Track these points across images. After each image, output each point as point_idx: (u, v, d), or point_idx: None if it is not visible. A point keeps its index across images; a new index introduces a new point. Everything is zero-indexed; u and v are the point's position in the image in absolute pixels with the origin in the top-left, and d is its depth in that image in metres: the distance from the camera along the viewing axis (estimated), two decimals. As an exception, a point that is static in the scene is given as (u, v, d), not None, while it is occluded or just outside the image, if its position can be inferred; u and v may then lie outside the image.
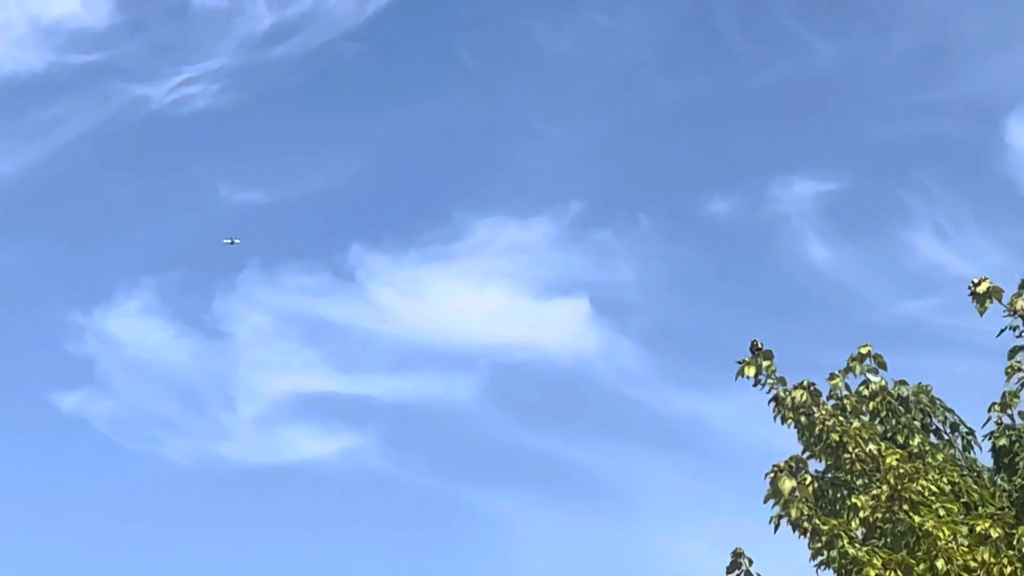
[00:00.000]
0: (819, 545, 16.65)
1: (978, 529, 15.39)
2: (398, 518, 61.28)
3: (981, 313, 17.98)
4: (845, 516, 17.14)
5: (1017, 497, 18.26)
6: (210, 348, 68.19)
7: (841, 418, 17.81)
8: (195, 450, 64.69)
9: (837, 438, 17.50)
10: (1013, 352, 18.19)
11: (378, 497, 62.54)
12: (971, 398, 20.57)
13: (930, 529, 15.80)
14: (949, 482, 17.81)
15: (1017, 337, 18.23)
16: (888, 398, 19.52)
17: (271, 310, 67.12)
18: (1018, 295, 18.82)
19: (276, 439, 64.18)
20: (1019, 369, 17.86)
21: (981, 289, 17.95)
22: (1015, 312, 18.14)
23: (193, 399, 67.09)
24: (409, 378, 65.53)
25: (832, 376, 18.81)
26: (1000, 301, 18.02)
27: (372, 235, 72.84)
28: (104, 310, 67.35)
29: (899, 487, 16.85)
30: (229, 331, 68.48)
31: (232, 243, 51.54)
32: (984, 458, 19.94)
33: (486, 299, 64.79)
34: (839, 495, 17.71)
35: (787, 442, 17.98)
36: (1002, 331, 18.31)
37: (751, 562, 17.22)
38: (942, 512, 16.49)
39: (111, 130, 70.82)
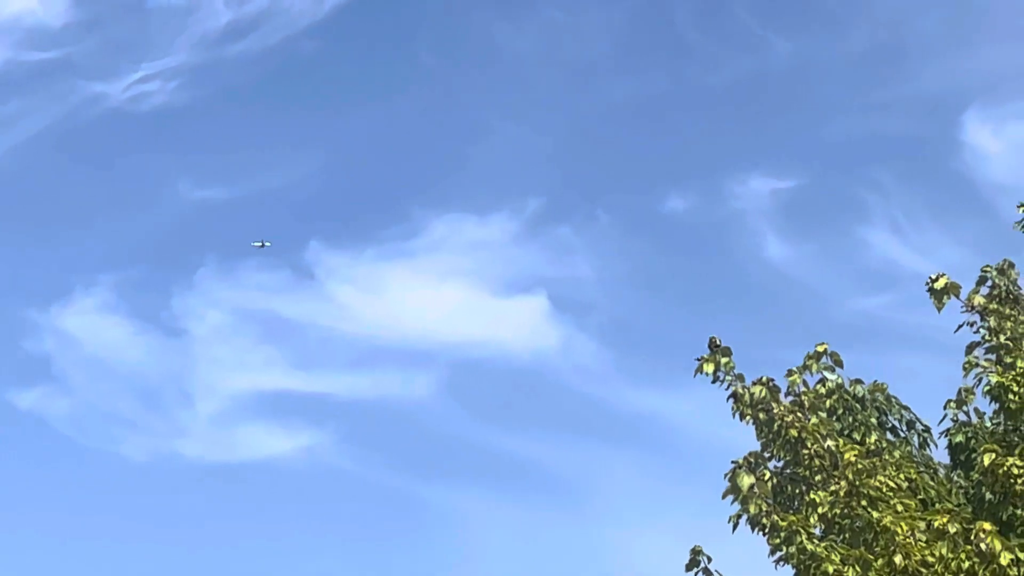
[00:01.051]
0: (778, 541, 16.65)
1: (936, 524, 15.42)
2: (357, 515, 61.12)
3: (939, 309, 18.02)
4: (803, 512, 17.15)
5: (974, 493, 18.32)
6: (168, 346, 67.90)
7: (799, 414, 17.81)
8: (153, 448, 64.40)
9: (795, 434, 17.51)
10: (970, 348, 18.24)
11: (337, 494, 62.38)
12: (927, 394, 20.64)
13: (888, 525, 15.82)
14: (906, 478, 17.84)
15: (974, 333, 18.29)
16: (845, 395, 19.57)
17: (229, 307, 66.79)
18: (975, 291, 18.89)
19: (234, 437, 63.96)
20: (976, 365, 17.90)
21: (939, 285, 17.99)
22: (972, 308, 18.19)
23: (151, 397, 66.81)
24: (368, 375, 65.38)
25: (790, 373, 18.82)
26: (958, 297, 18.07)
27: (331, 232, 72.57)
28: (61, 307, 67.00)
29: (857, 483, 16.87)
30: (187, 328, 68.19)
31: (263, 246, 51.32)
32: (940, 455, 20.02)
33: (445, 296, 64.72)
34: (797, 491, 17.71)
35: (746, 439, 18.00)
36: (959, 327, 18.37)
37: (710, 559, 17.22)
38: (900, 508, 16.52)
39: (68, 127, 70.50)
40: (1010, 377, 17.30)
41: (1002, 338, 17.87)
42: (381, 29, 71.44)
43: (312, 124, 72.52)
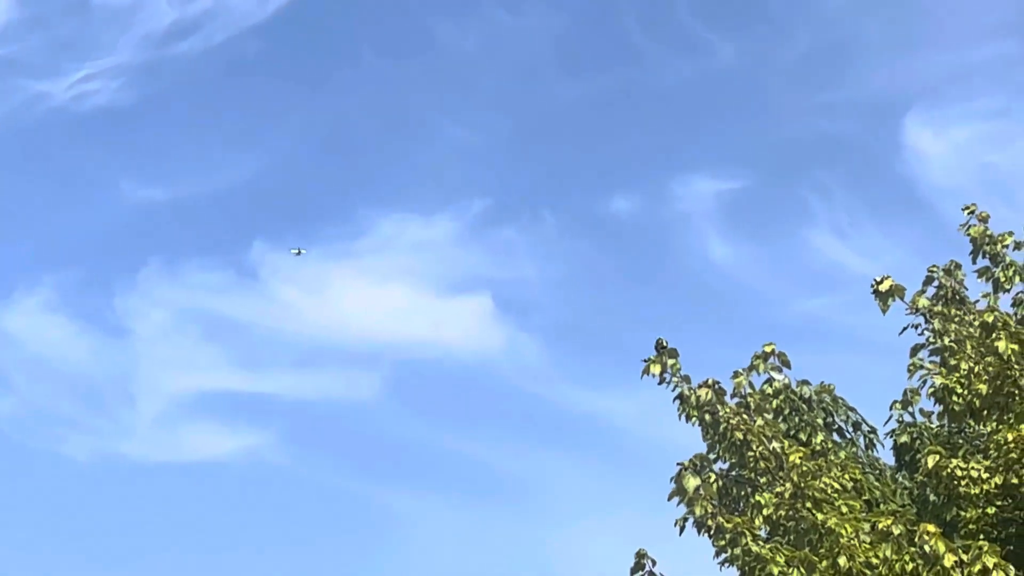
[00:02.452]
0: (723, 543, 16.65)
1: (880, 526, 15.44)
2: (301, 516, 60.85)
3: (884, 311, 18.07)
4: (749, 514, 17.16)
5: (918, 494, 18.37)
6: (111, 346, 67.38)
7: (745, 416, 17.81)
8: (96, 448, 63.85)
9: (741, 436, 17.51)
10: (915, 350, 18.29)
11: (281, 495, 62.06)
12: (873, 396, 20.69)
13: (832, 526, 15.83)
14: (851, 479, 17.87)
15: (919, 335, 18.34)
16: (791, 396, 19.60)
17: (173, 307, 66.38)
18: (920, 293, 18.95)
19: (178, 437, 63.50)
20: (920, 367, 17.95)
21: (884, 287, 18.04)
22: (917, 310, 18.23)
23: (94, 397, 66.26)
24: (312, 376, 65.02)
25: (736, 374, 18.82)
26: (902, 299, 18.12)
27: (275, 232, 72.14)
28: (3, 307, 66.38)
29: (802, 485, 16.88)
30: (130, 328, 67.66)
31: (299, 253, 51.00)
32: (886, 456, 20.09)
33: (389, 297, 64.47)
34: (743, 493, 17.72)
35: (692, 440, 17.98)
36: (904, 329, 18.41)
37: (655, 562, 17.19)
38: (845, 509, 16.54)
39: (10, 126, 69.84)
40: (954, 379, 17.35)
41: (946, 340, 17.92)
42: (325, 29, 71.12)
43: (256, 124, 72.14)
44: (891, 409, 19.82)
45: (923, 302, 18.30)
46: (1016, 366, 16.33)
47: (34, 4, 66.00)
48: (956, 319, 18.83)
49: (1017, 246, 19.95)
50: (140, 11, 66.70)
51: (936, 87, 66.63)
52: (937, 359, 18.01)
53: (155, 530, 58.99)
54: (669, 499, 17.10)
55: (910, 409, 19.73)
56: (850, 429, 20.17)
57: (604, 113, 69.11)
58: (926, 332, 18.24)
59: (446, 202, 68.10)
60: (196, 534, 58.91)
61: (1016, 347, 16.46)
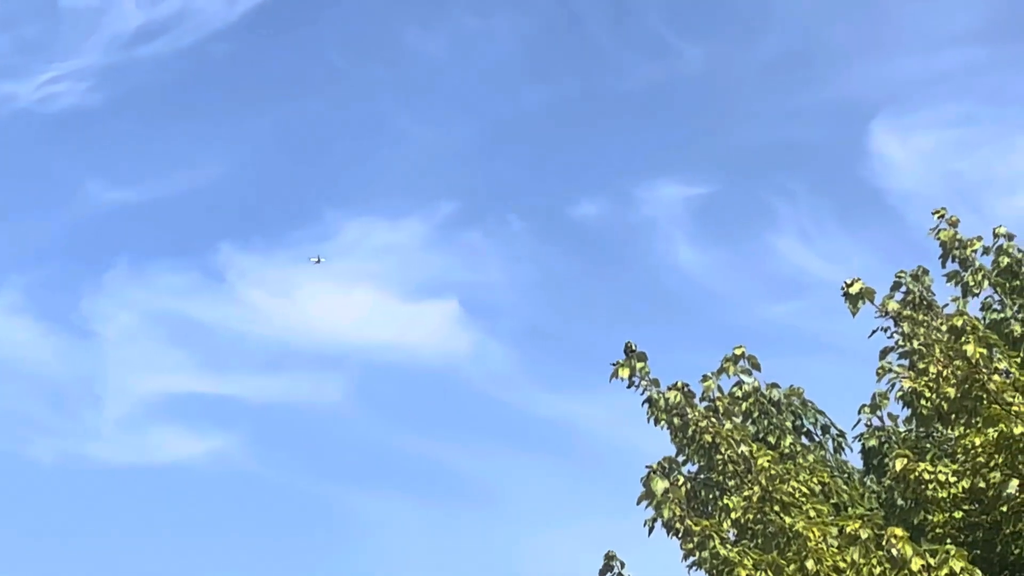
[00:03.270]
0: (691, 546, 16.66)
1: (848, 530, 15.44)
2: (268, 519, 60.75)
3: (854, 314, 18.08)
4: (717, 517, 17.16)
5: (886, 498, 18.41)
6: (77, 347, 67.24)
7: (714, 419, 17.82)
8: (61, 450, 63.69)
9: (710, 439, 17.52)
10: (884, 353, 18.30)
11: (247, 498, 61.97)
12: (841, 400, 20.73)
13: (800, 530, 15.83)
14: (819, 483, 17.89)
15: (888, 338, 18.36)
16: (761, 399, 19.61)
17: (139, 309, 66.34)
18: (890, 296, 18.98)
19: (144, 439, 63.38)
20: (889, 370, 17.96)
21: (854, 290, 18.05)
22: (886, 313, 18.25)
23: (60, 399, 66.10)
24: (279, 379, 64.98)
25: (705, 378, 18.82)
26: (872, 302, 18.13)
27: (242, 235, 72.18)
28: (-32, 309, 66.14)
29: (770, 488, 16.90)
30: (97, 330, 67.53)
31: (318, 261, 50.96)
32: (854, 459, 20.13)
33: (356, 300, 64.44)
34: (711, 496, 17.73)
35: (660, 444, 17.99)
36: (873, 332, 18.44)
37: (623, 564, 17.19)
38: (813, 513, 16.55)
39: (-23, 128, 69.61)
40: (922, 383, 17.37)
41: (915, 343, 17.94)
42: (292, 32, 71.15)
43: (223, 126, 72.16)
44: (859, 413, 19.87)
45: (892, 305, 18.32)
46: (984, 370, 16.37)
47: (1, 5, 65.79)
48: (924, 324, 18.87)
49: (985, 251, 20.02)
50: (108, 13, 66.59)
51: (902, 93, 66.98)
52: (906, 362, 18.03)
53: (120, 532, 58.83)
54: (638, 502, 17.09)
55: (878, 413, 19.79)
56: (819, 432, 20.21)
57: (571, 117, 69.24)
58: (895, 335, 18.27)
59: (413, 206, 68.22)
60: (162, 536, 58.74)
61: (984, 351, 16.50)
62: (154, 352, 66.19)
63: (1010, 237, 20.10)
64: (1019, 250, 20.05)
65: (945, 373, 17.00)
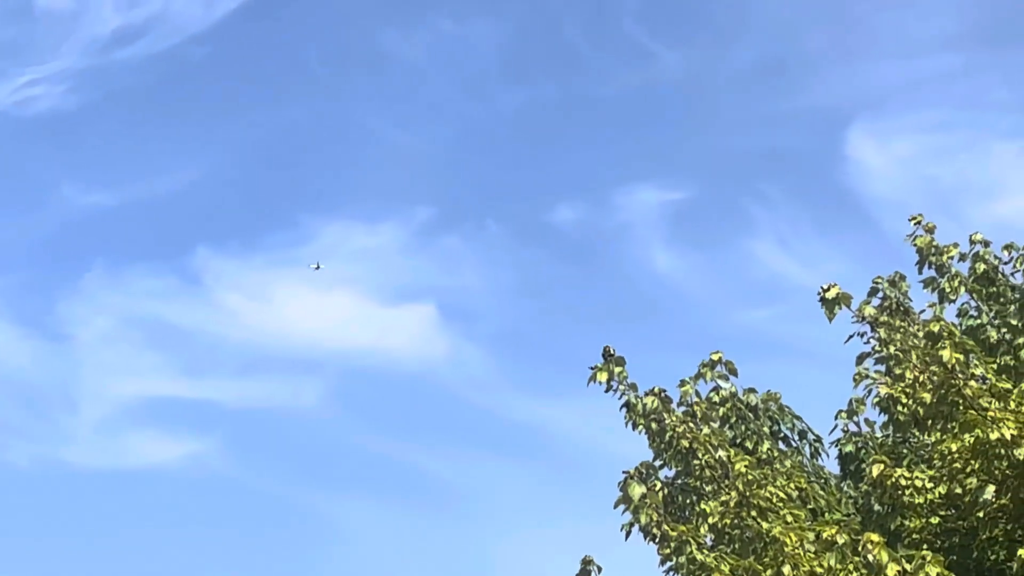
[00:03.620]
0: (668, 551, 16.67)
1: (824, 535, 15.45)
2: (244, 523, 60.56)
3: (830, 319, 18.12)
4: (694, 522, 17.18)
5: (863, 503, 18.43)
6: (53, 351, 66.92)
7: (691, 424, 17.84)
8: (37, 454, 63.41)
9: (687, 444, 17.54)
10: (860, 359, 18.34)
11: (224, 502, 61.75)
12: (818, 406, 20.77)
13: (777, 535, 15.85)
14: (796, 488, 17.93)
15: (865, 344, 18.40)
16: (738, 404, 19.65)
17: (116, 313, 66.00)
18: (867, 302, 19.03)
19: (120, 443, 63.11)
20: (866, 376, 18.00)
21: (830, 295, 18.08)
22: (863, 319, 18.29)
23: (35, 402, 65.80)
24: (255, 383, 64.75)
25: (683, 382, 18.86)
26: (849, 307, 18.16)
27: (219, 239, 71.87)
28: (-57, 312, 65.88)
29: (747, 493, 16.92)
30: (73, 334, 67.21)
31: (317, 267, 50.81)
32: (831, 465, 20.17)
33: (333, 304, 64.25)
34: (688, 501, 17.75)
35: (638, 448, 18.01)
36: (850, 337, 18.47)
37: (600, 569, 17.18)
38: (789, 518, 16.57)
39: (-48, 130, 69.36)
40: (899, 388, 17.41)
41: (892, 349, 17.99)
42: (270, 36, 70.93)
43: (201, 130, 71.85)
44: (836, 418, 19.91)
45: (869, 310, 18.36)
46: (960, 376, 16.40)
47: (-24, 10, 65.60)
48: (901, 330, 18.92)
49: (962, 258, 20.09)
50: (84, 16, 66.37)
51: (879, 99, 67.02)
52: (882, 368, 18.08)
53: (96, 536, 58.65)
54: (615, 507, 17.11)
55: (855, 419, 19.83)
56: (796, 438, 20.26)
57: (548, 122, 69.16)
58: (872, 341, 18.31)
59: (390, 210, 68.07)
60: (138, 540, 58.55)
61: (960, 356, 16.54)
62: (131, 356, 65.97)
63: (986, 244, 20.17)
64: (995, 257, 20.12)
65: (921, 379, 17.04)
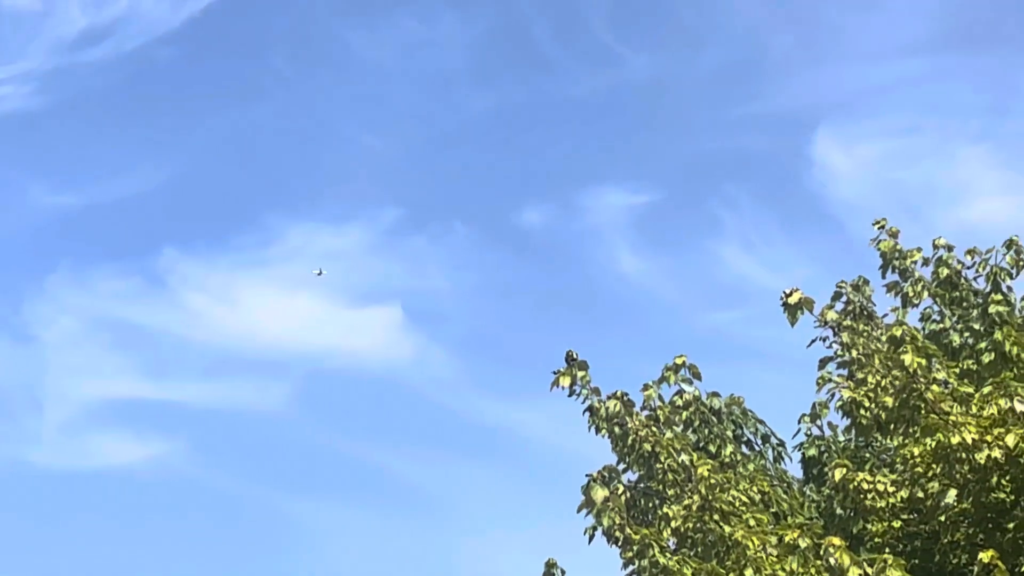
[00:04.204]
0: (631, 554, 16.68)
1: (787, 539, 15.48)
2: (209, 525, 60.38)
3: (792, 323, 18.14)
4: (657, 525, 17.19)
5: (826, 507, 18.46)
6: (18, 352, 66.63)
7: (654, 428, 17.86)
8: (2, 455, 63.19)
9: (650, 448, 17.55)
10: (823, 363, 18.37)
11: (189, 504, 61.55)
12: (781, 409, 20.79)
13: (739, 539, 15.87)
14: (759, 492, 17.95)
15: (827, 348, 18.42)
16: (701, 408, 19.66)
17: (81, 314, 65.75)
18: (830, 306, 19.07)
19: (85, 445, 62.88)
20: (829, 380, 18.04)
21: (793, 300, 18.09)
22: (826, 323, 18.31)
23: (0, 403, 65.58)
24: (221, 384, 64.56)
25: (647, 386, 18.87)
26: (811, 312, 18.18)
27: (185, 240, 71.63)
28: (-93, 313, 65.55)
29: (710, 497, 16.93)
30: (38, 335, 66.92)
31: (320, 273, 50.62)
32: (794, 469, 20.21)
33: (299, 306, 64.10)
34: (651, 505, 17.76)
35: (603, 451, 18.02)
36: (812, 341, 18.48)
37: (563, 572, 17.19)
38: (752, 522, 16.58)
39: (-82, 130, 69.00)
40: (862, 392, 17.45)
41: (854, 353, 18.03)
42: (237, 37, 70.68)
43: (167, 131, 71.57)
44: (799, 422, 19.95)
45: (831, 315, 18.39)
46: (923, 380, 16.44)
47: (-60, 9, 65.29)
48: (864, 334, 18.96)
49: (925, 262, 20.14)
50: (51, 16, 66.06)
51: (846, 103, 67.11)
52: (845, 372, 18.11)
53: (61, 539, 58.42)
54: (578, 510, 17.13)
55: (818, 422, 19.88)
56: (759, 442, 20.29)
57: (516, 124, 69.15)
58: (834, 345, 18.35)
59: (357, 211, 67.94)
60: (103, 543, 58.37)
61: (923, 361, 16.58)
62: (96, 357, 65.73)
63: (950, 248, 20.22)
64: (959, 261, 20.17)
65: (884, 383, 17.09)
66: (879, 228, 20.20)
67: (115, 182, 70.12)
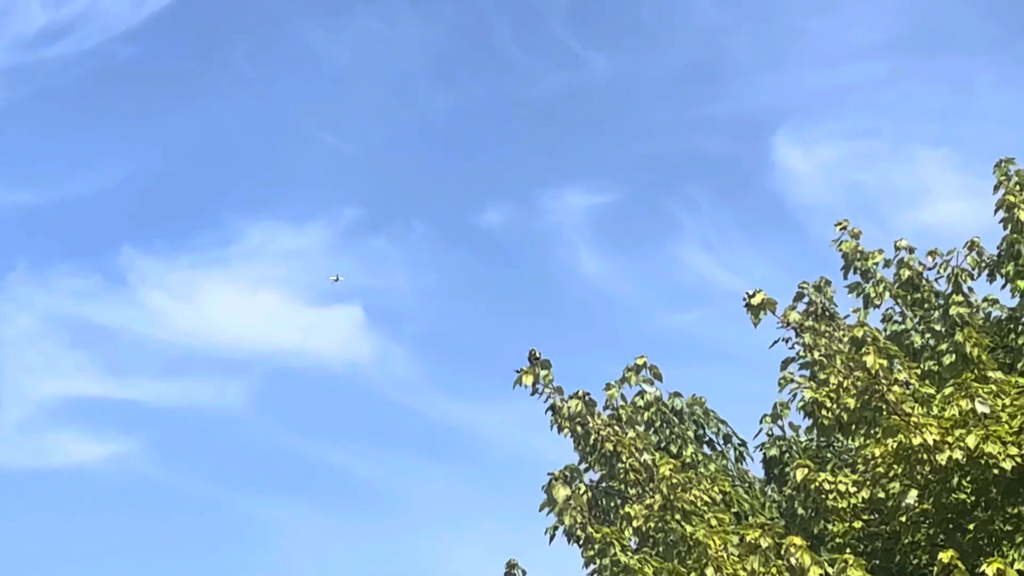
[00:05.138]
0: (592, 553, 16.67)
1: (748, 539, 15.50)
2: (168, 524, 60.20)
3: (755, 324, 18.15)
4: (619, 524, 17.19)
5: (787, 507, 18.50)
6: (-25, 350, 66.35)
7: (616, 428, 17.85)
8: (-41, 454, 62.88)
9: (612, 448, 17.55)
10: (785, 364, 18.41)
11: (147, 503, 61.34)
12: (743, 410, 20.83)
13: (701, 538, 15.88)
14: (721, 492, 17.96)
15: (789, 349, 18.46)
16: (663, 408, 19.69)
17: (40, 312, 65.53)
18: (792, 307, 19.10)
19: (43, 443, 62.66)
20: (791, 381, 18.08)
21: (755, 301, 18.11)
22: (788, 324, 18.34)
23: (-43, 402, 65.24)
24: (180, 383, 64.39)
25: (608, 386, 18.87)
26: (774, 313, 18.20)
27: (144, 238, 71.43)
28: None
29: (672, 497, 16.93)
30: (-4, 333, 66.69)
31: (337, 280, 50.29)
32: (756, 469, 20.25)
33: (259, 304, 64.00)
34: (613, 504, 17.77)
35: (566, 450, 18.02)
36: (775, 342, 18.51)
37: (524, 572, 17.17)
38: (714, 522, 16.60)
39: None
40: (823, 393, 17.49)
41: (816, 354, 18.06)
42: (198, 36, 70.56)
43: (128, 129, 71.38)
44: (761, 423, 19.99)
45: (794, 316, 18.42)
46: (884, 381, 16.49)
47: (-101, 7, 64.88)
48: (826, 335, 19.01)
49: (887, 264, 20.18)
50: (11, 13, 65.77)
51: (806, 105, 67.55)
52: (807, 373, 18.15)
53: (18, 537, 58.15)
54: (540, 509, 17.11)
55: (780, 423, 19.92)
56: (721, 442, 20.33)
57: (477, 124, 69.23)
58: (796, 346, 18.38)
59: (317, 211, 67.94)
60: (61, 541, 58.13)
61: (884, 362, 16.63)
62: (54, 355, 65.50)
63: (911, 250, 20.27)
64: (920, 263, 20.23)
65: (845, 384, 17.13)
66: (841, 229, 20.25)
67: (75, 180, 69.92)
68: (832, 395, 17.35)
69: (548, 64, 68.48)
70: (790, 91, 66.45)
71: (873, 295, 19.89)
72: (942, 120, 63.55)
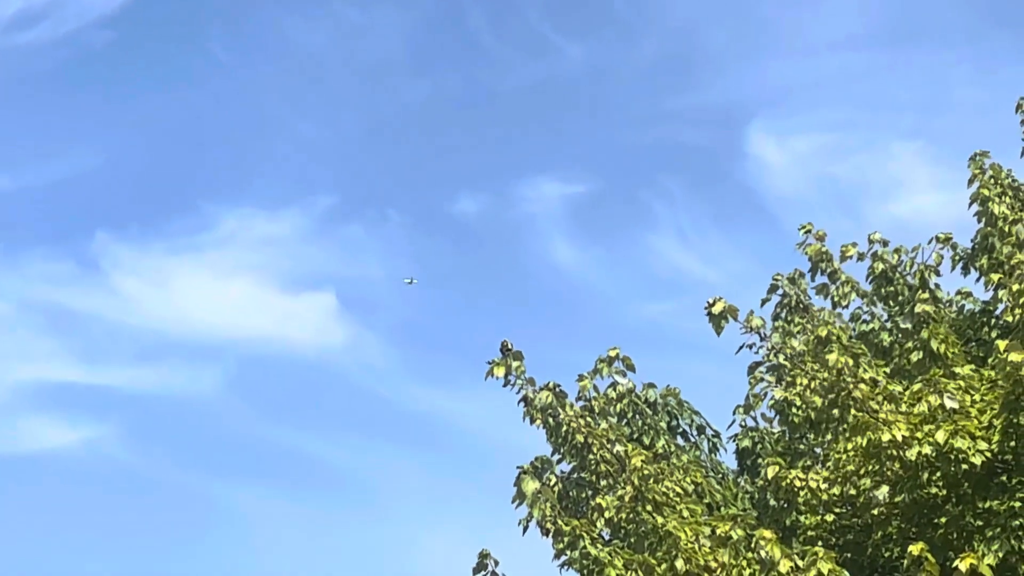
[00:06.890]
0: (562, 545, 16.67)
1: (719, 531, 15.52)
2: (141, 511, 60.02)
3: (718, 333, 17.98)
4: (590, 516, 17.18)
5: (759, 498, 18.51)
6: (-51, 335, 66.14)
7: (588, 419, 17.83)
8: (-69, 439, 62.67)
9: (583, 439, 17.52)
10: (752, 369, 18.32)
11: (119, 489, 61.16)
12: (717, 401, 20.84)
13: (672, 530, 15.90)
14: (693, 483, 17.98)
15: (754, 353, 18.37)
16: (635, 400, 19.68)
17: (12, 298, 65.26)
18: (764, 302, 19.13)
19: (15, 428, 62.43)
20: (761, 379, 18.09)
21: (716, 310, 17.91)
22: (751, 330, 18.24)
23: (-70, 387, 65.02)
24: (153, 369, 64.20)
25: (581, 377, 18.86)
26: (736, 319, 18.05)
27: (118, 224, 71.10)
28: None
29: (643, 488, 16.93)
30: (-32, 319, 66.46)
31: (411, 282, 50.04)
32: (729, 460, 20.27)
33: (233, 291, 63.83)
34: (584, 496, 17.76)
35: (538, 442, 18.00)
36: (740, 348, 18.39)
37: (497, 563, 17.15)
38: (686, 513, 16.61)
39: None
40: (792, 392, 17.52)
41: (782, 358, 17.99)
42: (173, 22, 70.22)
43: (102, 114, 71.05)
44: (734, 414, 19.99)
45: (756, 321, 18.28)
46: (850, 379, 16.50)
47: None
48: (799, 328, 19.03)
49: (860, 257, 20.20)
50: (-17, -1, 65.50)
51: (780, 97, 67.40)
52: (775, 375, 18.13)
53: (-9, 521, 58.05)
54: (512, 502, 17.09)
55: (752, 414, 19.92)
56: (694, 433, 20.34)
57: (452, 113, 69.07)
58: (762, 350, 18.25)
59: (292, 198, 67.78)
60: (32, 527, 57.98)
61: (849, 360, 16.65)
62: (27, 341, 65.26)
63: (885, 243, 20.29)
64: (894, 254, 20.25)
65: (813, 384, 17.12)
66: (805, 232, 20.23)
67: (48, 165, 69.62)
68: (801, 394, 17.37)
69: (523, 54, 68.39)
70: (765, 83, 66.41)
71: (838, 296, 19.94)
72: (917, 112, 63.66)
